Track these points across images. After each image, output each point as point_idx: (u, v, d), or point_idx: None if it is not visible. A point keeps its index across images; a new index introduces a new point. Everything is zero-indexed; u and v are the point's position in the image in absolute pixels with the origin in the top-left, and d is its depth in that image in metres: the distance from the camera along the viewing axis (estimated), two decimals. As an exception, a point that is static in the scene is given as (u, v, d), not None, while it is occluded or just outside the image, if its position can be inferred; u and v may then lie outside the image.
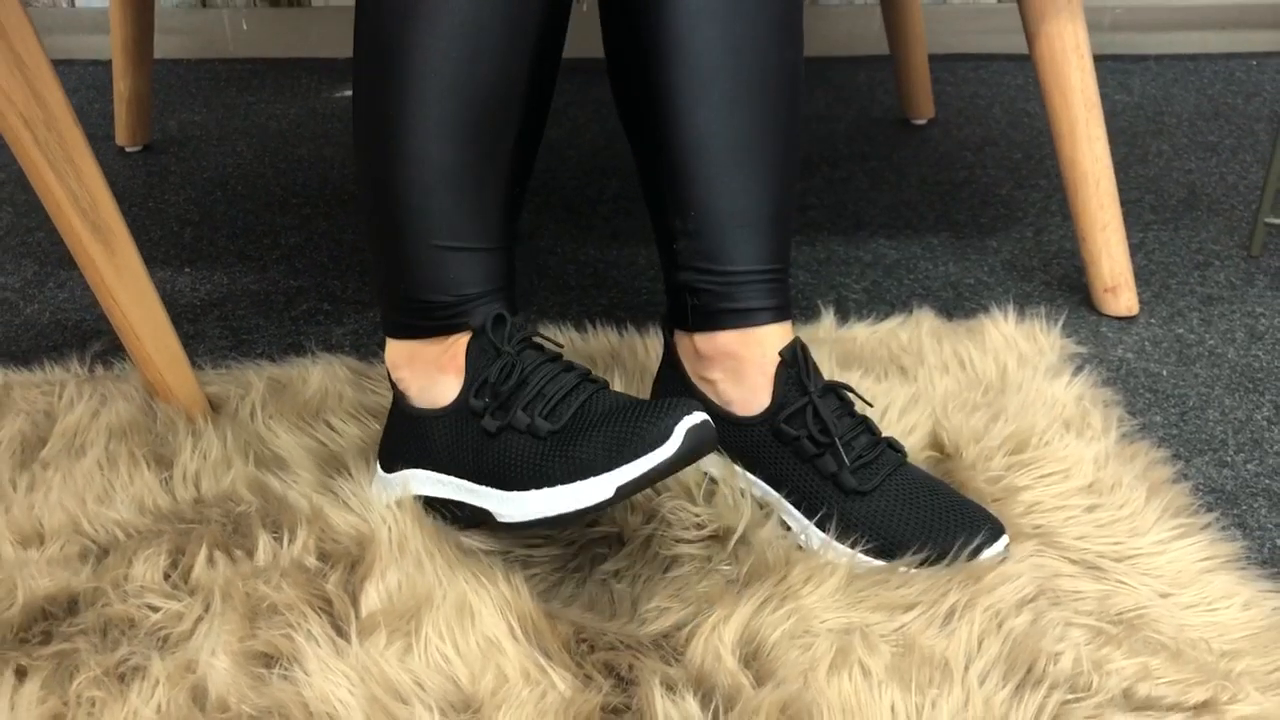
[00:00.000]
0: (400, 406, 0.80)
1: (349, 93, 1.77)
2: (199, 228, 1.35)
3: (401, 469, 0.80)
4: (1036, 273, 1.22)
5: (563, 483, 0.69)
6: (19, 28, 0.73)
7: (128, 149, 1.57)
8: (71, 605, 0.74)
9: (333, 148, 1.58)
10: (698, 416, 0.69)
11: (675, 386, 0.87)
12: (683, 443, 0.68)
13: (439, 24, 0.72)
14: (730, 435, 0.84)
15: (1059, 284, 1.19)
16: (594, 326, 1.08)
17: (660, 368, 0.89)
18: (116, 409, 0.92)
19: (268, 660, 0.69)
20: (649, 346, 1.03)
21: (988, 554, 0.76)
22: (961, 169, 1.48)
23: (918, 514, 0.78)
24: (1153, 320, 1.13)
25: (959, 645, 0.69)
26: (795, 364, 0.82)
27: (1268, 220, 1.22)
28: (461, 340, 0.76)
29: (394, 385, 0.81)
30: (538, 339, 0.78)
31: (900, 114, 1.65)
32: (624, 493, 0.68)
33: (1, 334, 1.12)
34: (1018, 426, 0.90)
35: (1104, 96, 1.73)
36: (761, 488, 0.83)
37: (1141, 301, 1.15)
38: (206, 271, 1.25)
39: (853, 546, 0.78)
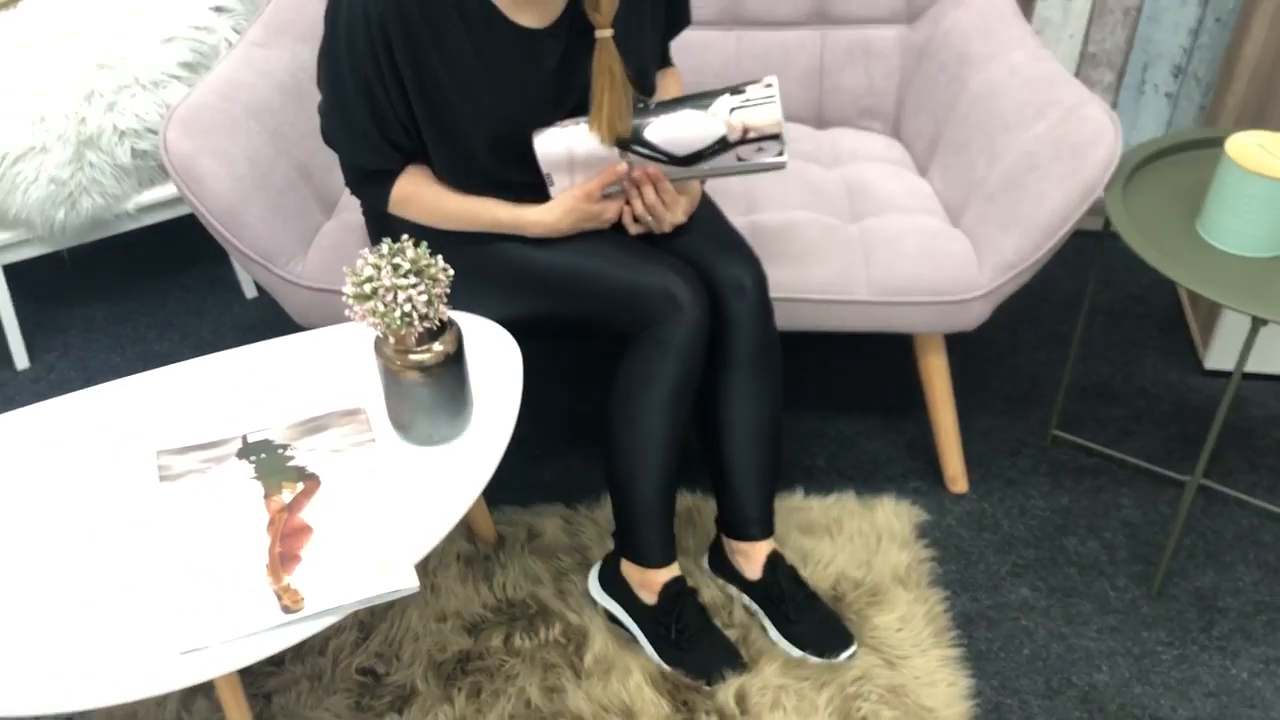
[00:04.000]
0: (628, 582, 1.83)
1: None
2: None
3: (613, 604, 1.85)
4: (922, 454, 2.21)
5: (688, 675, 1.76)
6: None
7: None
8: (467, 656, 1.81)
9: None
10: (735, 668, 1.75)
11: (721, 556, 1.91)
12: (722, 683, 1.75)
13: (665, 408, 1.70)
14: (744, 582, 1.88)
15: (935, 463, 2.18)
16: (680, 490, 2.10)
17: (713, 543, 1.93)
18: (461, 543, 1.98)
19: (552, 690, 1.77)
20: (708, 512, 2.05)
21: (844, 655, 1.81)
22: (902, 349, 2.44)
23: (818, 632, 1.83)
24: (974, 496, 2.13)
25: (824, 701, 1.75)
26: (773, 561, 1.85)
27: (1054, 433, 2.20)
28: (658, 579, 1.79)
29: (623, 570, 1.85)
30: (690, 584, 1.82)
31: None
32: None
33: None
34: (876, 580, 1.93)
35: (1045, 270, 2.64)
36: (754, 607, 1.89)
37: (972, 481, 2.15)
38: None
39: (789, 644, 1.83)
